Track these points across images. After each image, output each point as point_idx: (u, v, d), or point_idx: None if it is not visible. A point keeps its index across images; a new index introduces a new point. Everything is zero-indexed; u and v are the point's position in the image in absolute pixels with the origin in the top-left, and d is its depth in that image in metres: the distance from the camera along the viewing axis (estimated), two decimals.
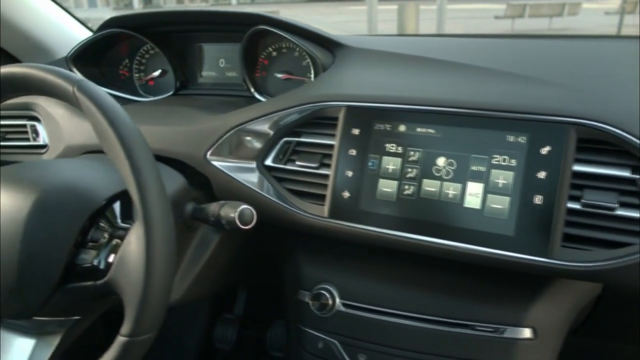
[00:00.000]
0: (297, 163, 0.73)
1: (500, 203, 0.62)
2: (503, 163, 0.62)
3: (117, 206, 0.62)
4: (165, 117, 0.84)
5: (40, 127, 0.93)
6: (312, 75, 0.93)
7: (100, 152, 0.84)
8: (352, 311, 0.71)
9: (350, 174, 0.69)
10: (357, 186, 0.68)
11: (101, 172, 0.65)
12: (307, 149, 0.73)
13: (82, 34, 1.18)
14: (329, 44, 0.87)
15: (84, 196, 0.60)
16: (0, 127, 0.96)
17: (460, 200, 0.64)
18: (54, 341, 0.63)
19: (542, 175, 0.60)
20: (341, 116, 0.70)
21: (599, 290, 0.71)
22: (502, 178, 0.62)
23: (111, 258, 0.56)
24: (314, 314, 0.72)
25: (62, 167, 0.65)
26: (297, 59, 0.94)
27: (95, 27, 1.16)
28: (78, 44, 0.98)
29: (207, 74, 1.03)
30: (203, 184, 0.78)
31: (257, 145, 0.75)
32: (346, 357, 0.73)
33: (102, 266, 0.56)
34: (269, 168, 0.75)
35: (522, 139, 0.61)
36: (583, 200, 0.58)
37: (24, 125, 0.94)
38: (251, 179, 0.75)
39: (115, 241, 0.58)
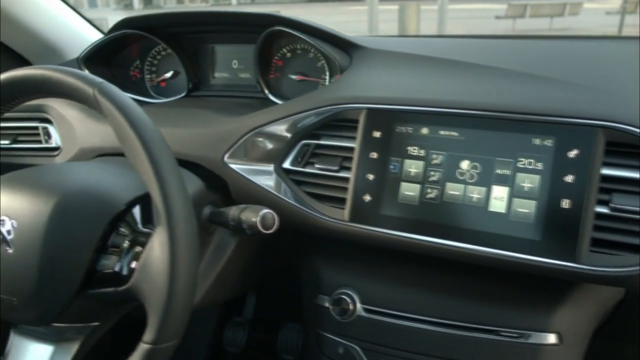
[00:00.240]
0: (317, 166, 0.72)
1: (527, 207, 0.61)
2: (529, 166, 0.61)
3: (136, 211, 0.61)
4: (180, 119, 0.83)
5: (52, 129, 0.92)
6: (327, 77, 0.92)
7: (115, 154, 0.83)
8: (373, 316, 0.70)
9: (371, 177, 0.68)
10: (379, 190, 0.67)
11: (120, 176, 0.64)
12: (326, 151, 0.72)
13: (92, 35, 1.17)
14: (345, 45, 0.86)
15: (104, 200, 0.59)
16: (12, 129, 0.95)
17: (484, 204, 0.63)
18: (73, 348, 0.62)
19: (569, 178, 0.59)
20: (362, 119, 0.69)
21: (621, 295, 0.70)
22: (528, 181, 0.61)
23: (133, 264, 0.55)
24: (335, 319, 0.71)
25: (81, 171, 0.65)
26: (312, 60, 0.93)
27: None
28: (90, 45, 0.97)
29: (220, 75, 1.02)
30: (220, 187, 0.77)
31: (275, 147, 0.74)
32: None
33: (124, 272, 0.55)
34: (287, 171, 0.74)
35: (548, 142, 0.60)
36: (611, 205, 0.57)
37: (36, 128, 0.93)
38: (269, 182, 0.74)
39: (137, 246, 0.56)
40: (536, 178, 0.61)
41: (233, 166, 0.75)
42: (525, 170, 0.61)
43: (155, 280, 0.52)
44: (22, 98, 0.61)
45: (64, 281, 0.56)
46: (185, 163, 0.76)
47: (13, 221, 0.57)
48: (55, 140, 0.91)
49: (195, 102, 0.96)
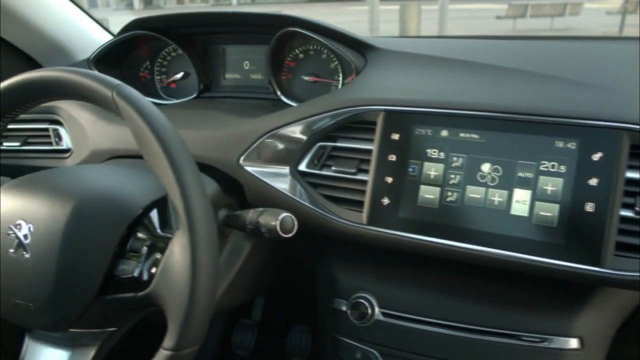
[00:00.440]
0: (333, 168, 0.71)
1: (549, 210, 0.60)
2: (552, 169, 0.60)
3: (154, 214, 0.60)
4: (194, 121, 0.82)
5: (62, 131, 0.91)
6: (340, 78, 0.91)
7: (127, 157, 0.82)
8: (391, 320, 0.69)
9: (389, 180, 0.67)
10: (397, 192, 0.67)
11: (136, 179, 0.64)
12: (343, 154, 0.71)
13: (99, 35, 1.16)
14: (360, 46, 0.85)
15: (121, 204, 0.58)
16: (22, 130, 0.94)
17: (506, 207, 0.62)
18: (89, 354, 0.61)
19: (593, 182, 0.58)
20: (379, 121, 0.68)
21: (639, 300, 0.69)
22: (551, 185, 0.60)
23: (153, 269, 0.55)
24: (352, 324, 0.71)
25: (97, 174, 0.64)
26: (325, 61, 0.92)
27: None
28: (101, 46, 0.96)
29: (231, 76, 1.01)
30: (234, 190, 0.76)
31: (290, 150, 0.73)
32: None
33: (144, 277, 0.54)
34: (303, 173, 0.73)
35: (572, 145, 0.60)
36: (637, 208, 0.56)
37: (46, 129, 0.92)
38: (284, 184, 0.73)
39: (156, 251, 0.56)
40: (559, 181, 0.60)
41: (248, 169, 0.74)
42: (548, 174, 0.60)
43: (176, 286, 0.51)
44: (38, 100, 0.61)
45: (81, 286, 0.55)
46: (199, 165, 0.75)
47: (30, 225, 0.56)
48: (66, 142, 0.90)
49: (207, 104, 0.95)
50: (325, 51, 0.92)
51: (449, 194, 0.65)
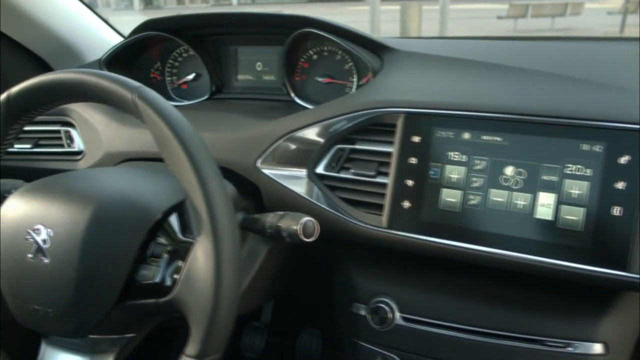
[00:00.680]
0: (352, 171, 0.70)
1: (575, 214, 0.59)
2: (577, 173, 0.59)
3: (173, 219, 0.59)
4: (209, 123, 0.81)
5: (74, 133, 0.90)
6: (355, 79, 0.91)
7: (141, 159, 0.82)
8: (412, 325, 0.68)
9: (410, 183, 0.66)
10: (418, 196, 0.66)
11: (155, 183, 0.63)
12: (362, 156, 0.70)
13: (109, 36, 1.16)
14: (376, 47, 0.85)
15: (141, 209, 0.57)
16: (33, 132, 0.93)
17: (530, 211, 0.61)
18: None
19: (620, 185, 0.57)
20: (400, 123, 0.67)
21: None
22: (577, 188, 0.59)
23: (175, 275, 0.54)
24: (372, 328, 0.70)
25: (115, 178, 0.63)
26: (339, 62, 0.92)
27: None
28: (113, 47, 0.95)
29: (243, 77, 1.00)
30: (251, 193, 0.75)
31: (307, 152, 0.73)
32: None
33: (167, 283, 0.53)
34: (320, 176, 0.72)
35: (598, 148, 0.59)
36: None
37: (58, 131, 0.91)
38: (302, 187, 0.72)
39: (178, 256, 0.55)
40: (585, 185, 0.59)
41: (266, 171, 0.73)
42: (573, 177, 0.60)
43: (200, 292, 0.50)
44: (56, 102, 0.60)
45: (102, 292, 0.54)
46: None
47: (49, 230, 0.55)
48: (78, 144, 0.90)
49: (220, 105, 0.94)
50: (340, 52, 0.91)
51: (471, 197, 0.64)
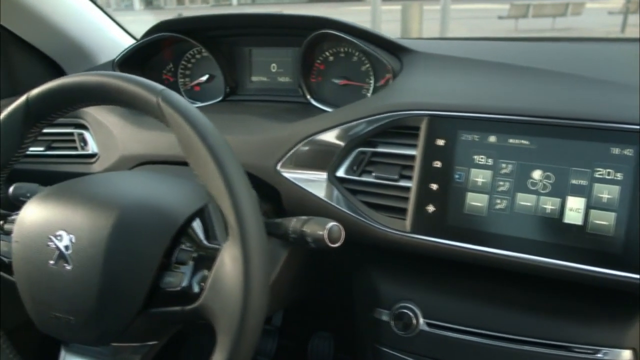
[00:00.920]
0: (374, 174, 0.69)
1: (606, 219, 0.58)
2: (607, 177, 0.58)
3: (197, 224, 0.58)
4: (226, 126, 0.80)
5: (88, 136, 0.89)
6: (372, 81, 0.90)
7: (157, 162, 0.80)
8: (437, 331, 0.67)
9: (434, 186, 0.65)
10: (443, 200, 0.65)
11: (176, 188, 0.62)
12: (384, 159, 0.69)
13: (119, 36, 1.14)
14: (395, 49, 0.84)
15: (165, 214, 0.56)
16: (46, 135, 0.92)
17: (559, 215, 0.60)
18: None
19: None
20: (423, 126, 0.66)
21: None
22: (607, 193, 0.58)
23: (202, 281, 0.52)
24: (395, 334, 0.69)
25: (136, 183, 0.62)
26: (356, 63, 0.90)
27: None
28: (127, 48, 0.94)
29: (257, 78, 0.99)
30: (269, 197, 0.74)
31: (328, 155, 0.71)
32: None
33: (193, 290, 0.52)
34: (341, 179, 0.71)
35: (628, 152, 0.58)
36: None
37: (71, 134, 0.90)
38: (322, 191, 0.71)
39: (204, 263, 0.53)
40: (616, 189, 0.58)
41: (286, 175, 0.72)
42: (603, 181, 0.58)
43: (228, 299, 0.49)
44: (77, 105, 0.59)
45: (125, 300, 0.53)
46: None
47: (71, 236, 0.54)
48: (92, 147, 0.88)
49: (235, 107, 0.93)
50: (357, 53, 0.90)
51: (498, 201, 0.63)
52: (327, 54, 0.92)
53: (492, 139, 0.64)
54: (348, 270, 0.80)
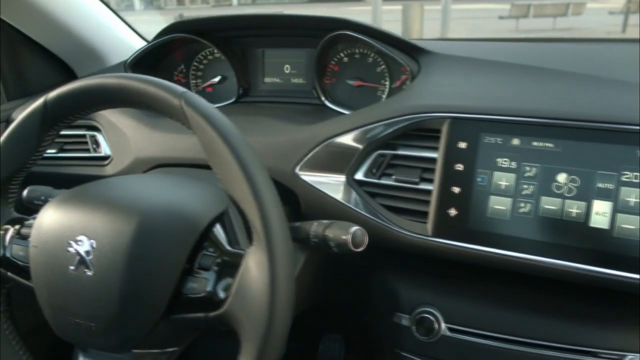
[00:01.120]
0: (394, 177, 0.68)
1: (633, 223, 0.57)
2: (635, 180, 0.58)
3: (219, 229, 0.57)
4: (242, 128, 0.77)
5: (100, 138, 0.88)
6: (388, 83, 0.89)
7: (172, 165, 0.80)
8: (459, 336, 0.66)
9: (456, 190, 0.64)
10: (465, 203, 0.64)
11: (197, 192, 0.61)
12: (404, 162, 0.68)
13: (129, 37, 1.14)
14: (412, 50, 0.83)
15: (187, 219, 0.55)
16: (58, 137, 0.90)
17: (585, 219, 0.59)
18: None
19: None
20: (444, 128, 0.66)
21: None
22: (634, 196, 0.57)
23: (226, 288, 0.51)
24: (416, 339, 0.68)
25: (157, 186, 0.61)
26: (371, 65, 0.90)
27: None
28: (140, 49, 0.93)
29: (271, 80, 0.98)
30: (287, 200, 0.73)
31: (346, 158, 0.71)
32: None
33: (217, 297, 0.51)
34: (360, 182, 0.71)
35: None
36: None
37: (83, 136, 0.89)
38: (341, 194, 0.70)
39: (228, 268, 0.52)
40: None
41: (305, 178, 0.71)
42: (630, 184, 0.58)
43: (253, 306, 0.48)
44: (96, 107, 0.58)
45: (147, 306, 0.52)
46: None
47: (92, 241, 0.53)
48: (104, 149, 0.88)
49: (249, 109, 0.93)
50: (372, 55, 0.89)
51: (522, 205, 0.62)
52: (342, 55, 0.91)
53: (516, 141, 0.63)
54: (366, 274, 0.79)
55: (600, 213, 0.59)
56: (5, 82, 1.00)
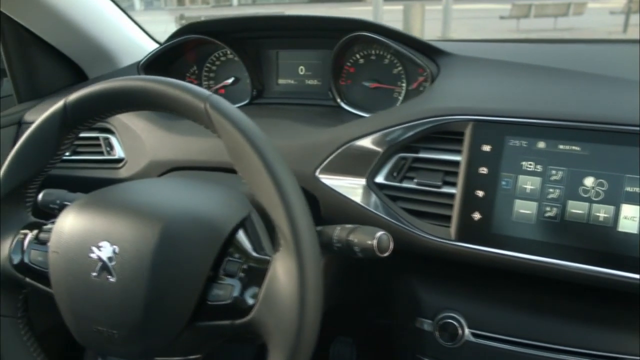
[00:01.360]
0: (416, 181, 0.67)
1: None
2: None
3: (242, 235, 0.56)
4: (262, 130, 0.78)
5: (114, 140, 0.87)
6: (404, 84, 0.88)
7: (188, 168, 0.79)
8: (483, 341, 0.65)
9: (480, 193, 0.63)
10: (489, 207, 0.63)
11: (219, 196, 0.60)
12: (426, 165, 0.68)
13: (141, 39, 1.13)
14: (431, 52, 0.82)
15: (212, 224, 0.54)
16: None
17: (613, 223, 0.58)
18: None
19: None
20: (468, 131, 0.65)
21: None
22: None
23: (253, 294, 0.50)
24: (440, 345, 0.67)
25: (179, 191, 0.60)
26: (387, 66, 0.89)
27: None
28: (153, 51, 0.93)
29: (284, 81, 0.97)
30: (307, 204, 0.72)
31: (366, 161, 0.70)
32: None
33: (244, 304, 0.50)
34: (381, 186, 0.70)
35: None
36: None
37: (97, 138, 0.88)
38: (361, 197, 0.69)
39: (253, 275, 0.52)
40: None
41: (325, 181, 0.70)
42: None
43: (282, 314, 0.47)
44: (117, 110, 0.57)
45: (172, 313, 0.51)
46: None
47: (115, 247, 0.52)
48: (118, 151, 0.87)
49: (264, 111, 0.92)
50: (388, 56, 0.88)
51: (548, 209, 0.61)
52: (358, 56, 0.90)
53: (541, 144, 0.62)
54: (386, 278, 0.78)
55: (629, 217, 0.58)
56: (17, 84, 0.99)
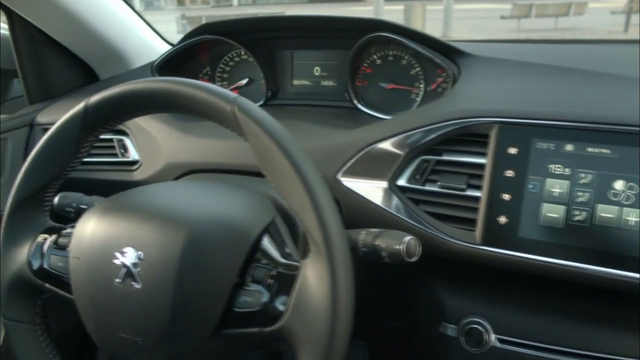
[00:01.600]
0: (439, 184, 0.66)
1: None
2: None
3: (268, 240, 0.55)
4: None
5: (128, 142, 0.86)
6: (423, 86, 0.87)
7: (206, 171, 0.77)
8: (509, 347, 0.64)
9: (506, 197, 0.62)
10: (516, 210, 0.62)
11: (243, 200, 0.59)
12: (450, 168, 0.66)
13: (153, 40, 1.11)
14: (451, 53, 0.81)
15: (238, 229, 0.53)
16: None
17: None
18: None
19: None
20: (493, 134, 0.64)
21: None
22: None
23: (283, 301, 0.49)
24: (465, 350, 0.66)
25: (202, 195, 0.59)
26: (405, 67, 0.88)
27: None
28: (167, 52, 0.91)
29: (299, 82, 0.96)
30: None
31: (388, 164, 0.69)
32: None
33: (273, 311, 0.49)
34: (403, 189, 0.69)
35: None
36: None
37: (110, 140, 0.87)
38: (383, 201, 0.68)
39: (282, 281, 0.50)
40: None
41: (347, 184, 0.69)
42: None
43: (313, 321, 0.46)
44: (139, 113, 0.56)
45: (198, 320, 0.50)
46: None
47: (139, 253, 0.51)
48: (133, 153, 0.85)
49: (280, 112, 0.90)
50: (406, 57, 0.87)
51: (576, 212, 0.60)
52: (375, 57, 0.89)
53: (569, 147, 0.61)
54: (408, 282, 0.77)
55: None
56: (28, 85, 0.98)
